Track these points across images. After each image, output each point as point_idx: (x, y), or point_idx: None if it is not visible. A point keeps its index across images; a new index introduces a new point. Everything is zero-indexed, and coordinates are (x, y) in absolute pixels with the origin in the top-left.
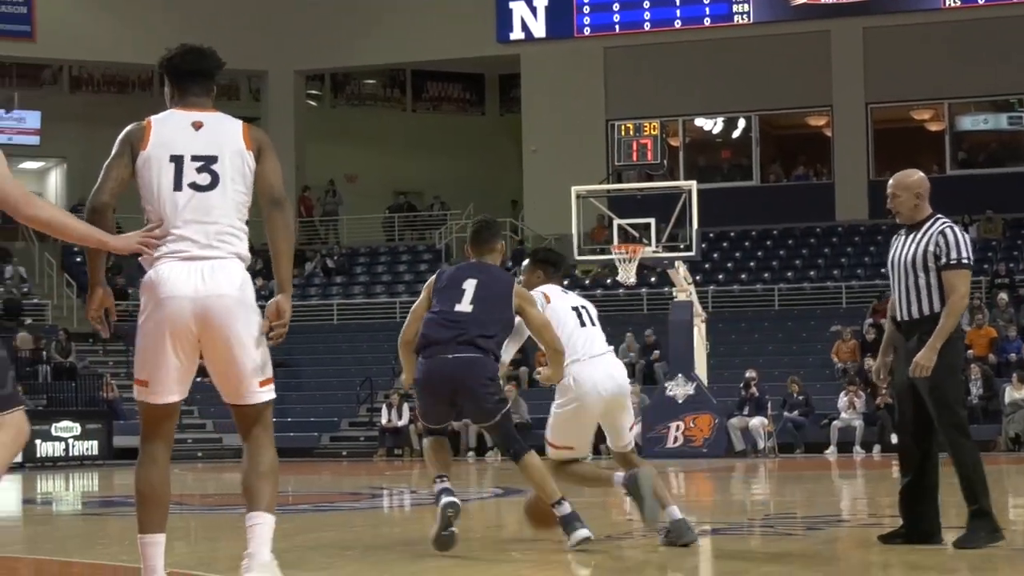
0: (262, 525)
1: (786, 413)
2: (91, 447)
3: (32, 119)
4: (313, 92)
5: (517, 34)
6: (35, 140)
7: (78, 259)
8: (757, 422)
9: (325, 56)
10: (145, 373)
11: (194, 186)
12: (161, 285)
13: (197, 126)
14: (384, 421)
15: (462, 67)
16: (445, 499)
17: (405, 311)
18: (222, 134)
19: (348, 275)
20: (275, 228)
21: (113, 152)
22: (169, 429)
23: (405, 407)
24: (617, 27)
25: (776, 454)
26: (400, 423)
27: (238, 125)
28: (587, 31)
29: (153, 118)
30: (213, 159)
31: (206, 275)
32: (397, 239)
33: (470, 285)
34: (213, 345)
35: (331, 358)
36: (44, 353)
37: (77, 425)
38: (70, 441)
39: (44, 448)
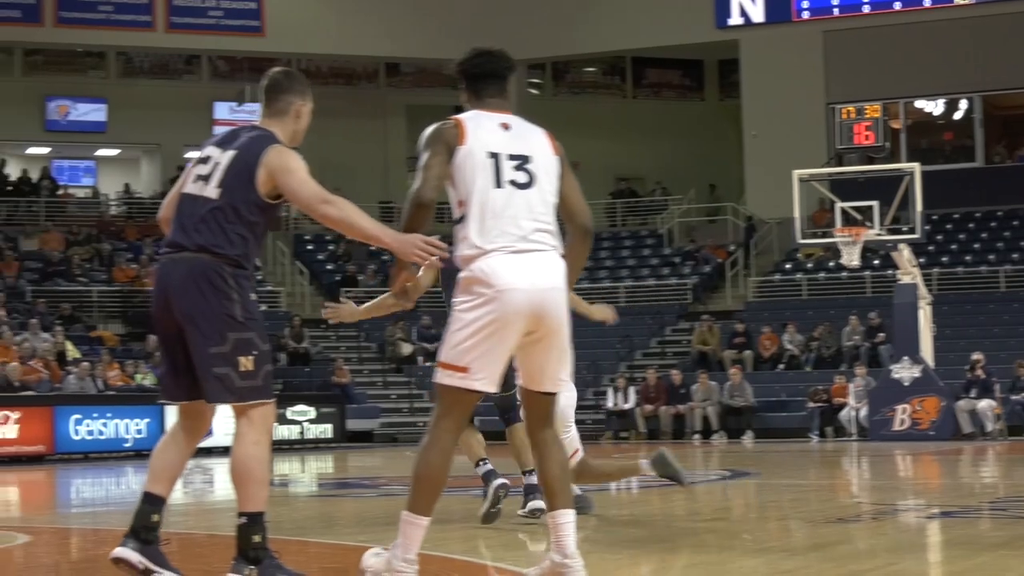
0: (571, 523)
1: (1013, 396)
2: (325, 430)
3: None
4: (534, 81)
5: (736, 19)
6: None
7: (309, 247)
8: (985, 405)
9: (546, 45)
10: (467, 360)
11: (513, 184)
12: (495, 278)
13: (505, 127)
14: (611, 404)
15: (681, 53)
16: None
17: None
18: (531, 137)
19: None
20: (578, 255)
21: (428, 151)
22: (467, 418)
23: (631, 390)
24: (836, 10)
25: (1005, 437)
26: (626, 406)
27: (542, 131)
28: (806, 15)
29: (462, 117)
30: (527, 159)
31: (538, 268)
32: (620, 224)
33: None
34: (544, 336)
35: None
36: (280, 340)
37: (312, 409)
38: (305, 424)
39: (280, 431)
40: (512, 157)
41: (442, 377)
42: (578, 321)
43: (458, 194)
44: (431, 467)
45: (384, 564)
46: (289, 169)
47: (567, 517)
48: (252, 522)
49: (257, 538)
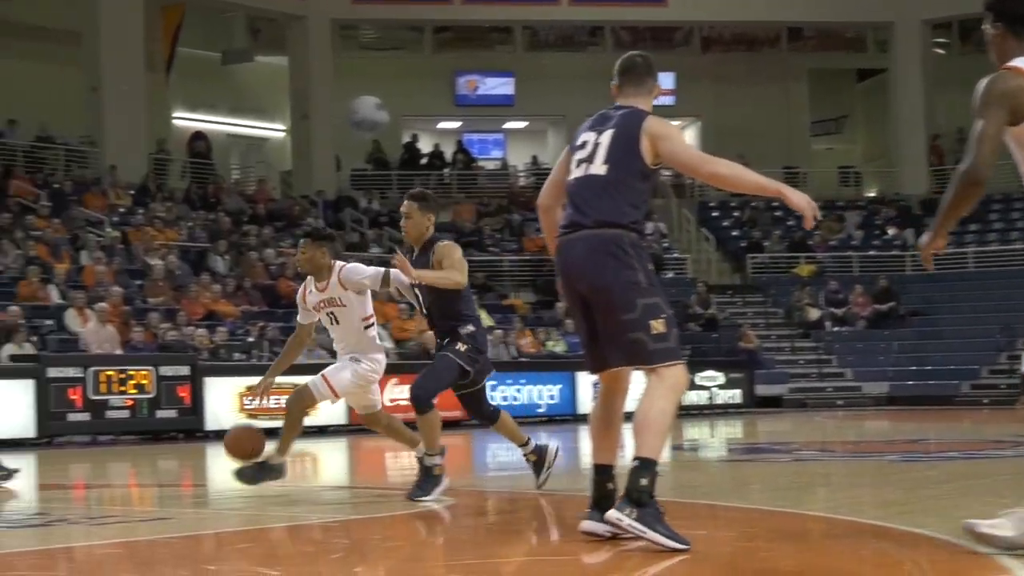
0: None
1: None
2: (734, 396)
3: (667, 80)
4: (940, 41)
5: None
6: (671, 100)
7: (714, 214)
8: None
9: (952, 4)
10: None
11: None
12: None
13: None
14: None
15: None
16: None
17: None
18: None
19: (983, 222)
20: None
21: (986, 116)
22: None
23: None
24: None
25: None
26: None
27: None
28: None
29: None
30: None
31: None
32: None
33: None
34: None
35: (968, 306)
36: (687, 308)
37: (720, 374)
38: (713, 390)
39: (689, 397)
40: None
41: None
42: (989, 279)
43: None
44: None
45: None
46: (670, 136)
47: None
48: (643, 467)
49: (644, 482)
